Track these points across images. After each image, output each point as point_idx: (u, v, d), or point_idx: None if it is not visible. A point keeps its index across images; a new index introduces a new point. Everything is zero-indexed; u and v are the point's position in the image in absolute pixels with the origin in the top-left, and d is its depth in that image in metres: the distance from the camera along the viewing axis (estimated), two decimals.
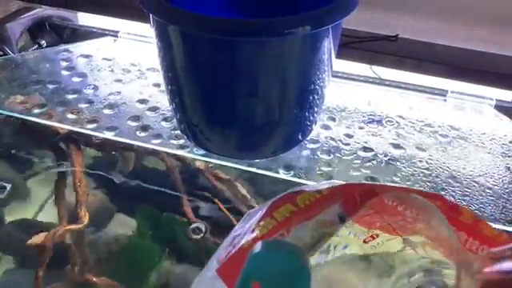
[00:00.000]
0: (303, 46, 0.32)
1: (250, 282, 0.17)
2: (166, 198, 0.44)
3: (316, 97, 0.35)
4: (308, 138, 0.40)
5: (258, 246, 0.19)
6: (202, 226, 0.39)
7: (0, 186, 0.45)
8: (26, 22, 0.54)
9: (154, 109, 0.44)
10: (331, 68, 0.35)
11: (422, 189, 0.36)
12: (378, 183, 0.35)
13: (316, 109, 0.37)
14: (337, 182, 0.25)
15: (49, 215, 0.48)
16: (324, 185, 0.24)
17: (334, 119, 0.43)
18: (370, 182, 0.36)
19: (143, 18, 0.47)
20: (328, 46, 0.33)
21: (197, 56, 0.33)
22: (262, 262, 0.18)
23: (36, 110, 0.43)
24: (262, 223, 0.23)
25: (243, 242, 0.22)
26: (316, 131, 0.41)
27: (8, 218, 0.48)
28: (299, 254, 0.19)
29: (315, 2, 0.32)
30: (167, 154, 0.42)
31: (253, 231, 0.23)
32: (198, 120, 0.37)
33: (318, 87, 0.35)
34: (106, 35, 0.55)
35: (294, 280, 0.17)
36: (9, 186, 0.45)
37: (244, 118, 0.35)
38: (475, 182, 0.37)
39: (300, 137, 0.38)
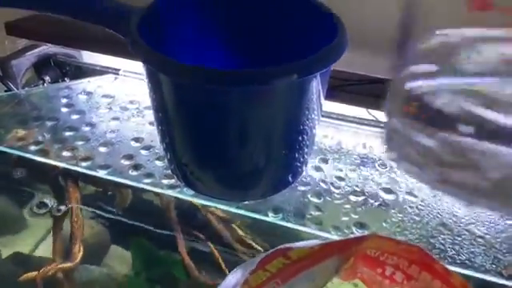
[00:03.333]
0: (291, 92, 0.32)
1: None
2: (162, 236, 0.45)
3: (305, 138, 0.36)
4: (299, 180, 0.40)
5: None
6: (195, 265, 0.39)
7: None
8: (32, 58, 0.56)
9: (148, 147, 0.44)
10: (320, 109, 0.36)
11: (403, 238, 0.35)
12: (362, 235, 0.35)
13: (306, 150, 0.37)
14: (326, 240, 0.25)
15: (46, 249, 0.48)
16: (315, 242, 0.24)
17: (326, 161, 0.43)
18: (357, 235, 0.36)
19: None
20: (316, 88, 0.33)
21: (186, 101, 0.33)
22: None
23: (33, 147, 0.44)
24: (254, 275, 0.23)
25: None
26: (307, 173, 0.41)
27: (3, 250, 0.48)
28: None
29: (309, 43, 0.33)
30: None
31: (245, 282, 0.23)
32: (187, 161, 0.37)
33: (307, 129, 0.35)
34: (108, 73, 0.56)
35: None
36: None
37: (233, 161, 0.35)
38: (466, 229, 0.37)
39: (290, 179, 0.38)
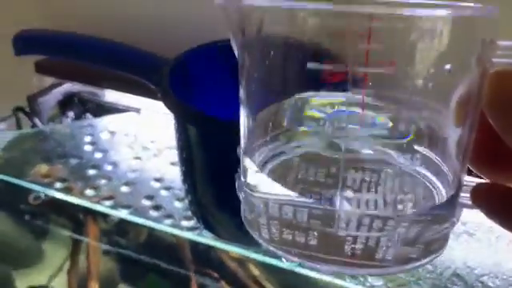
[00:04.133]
0: None
1: None
2: (176, 274, 0.45)
3: None
4: None
5: None
6: None
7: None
8: (57, 96, 0.58)
9: (168, 188, 0.46)
10: None
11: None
12: None
13: None
14: None
15: (60, 282, 0.49)
16: None
17: None
18: None
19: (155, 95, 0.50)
20: None
21: (209, 148, 0.35)
22: None
23: (58, 184, 0.46)
24: None
25: None
26: None
27: (19, 283, 0.49)
28: None
29: None
30: None
31: None
32: (207, 205, 0.38)
33: None
34: (129, 111, 0.58)
35: None
36: None
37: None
38: (480, 281, 0.37)
39: None
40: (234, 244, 0.40)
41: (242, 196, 0.24)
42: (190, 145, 0.36)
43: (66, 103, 0.60)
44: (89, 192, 0.45)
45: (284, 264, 0.39)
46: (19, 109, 0.56)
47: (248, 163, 0.22)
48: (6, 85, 0.65)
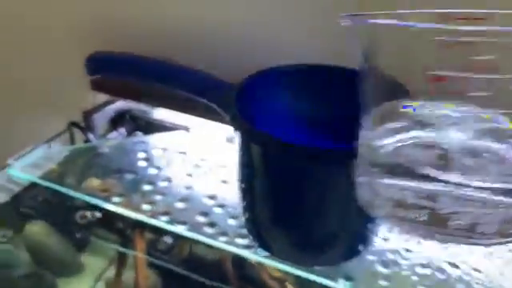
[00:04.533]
0: None
1: None
2: None
3: None
4: (368, 249, 0.42)
5: None
6: None
7: None
8: (111, 112, 0.60)
9: (221, 205, 0.47)
10: None
11: None
12: None
13: (379, 222, 0.39)
14: None
15: None
16: None
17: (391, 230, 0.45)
18: None
19: (212, 115, 0.52)
20: None
21: (273, 169, 0.36)
22: None
23: (115, 199, 0.48)
24: None
25: None
26: (376, 242, 0.43)
27: None
28: None
29: None
30: None
31: None
32: (265, 224, 0.40)
33: None
34: (177, 129, 0.60)
35: None
36: None
37: (310, 228, 0.38)
38: None
39: (361, 248, 0.40)
40: (289, 263, 0.41)
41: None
42: (253, 164, 0.37)
43: (118, 120, 0.62)
44: (145, 207, 0.47)
45: (339, 286, 0.40)
46: (74, 124, 0.58)
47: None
48: (62, 101, 0.68)
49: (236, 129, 0.36)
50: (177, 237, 0.49)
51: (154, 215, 0.46)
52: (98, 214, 0.52)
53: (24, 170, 0.51)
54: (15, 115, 0.76)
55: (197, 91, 0.40)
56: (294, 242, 0.40)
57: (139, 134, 0.61)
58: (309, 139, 0.41)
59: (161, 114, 0.63)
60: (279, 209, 0.38)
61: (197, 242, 0.46)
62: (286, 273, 0.42)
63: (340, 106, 0.42)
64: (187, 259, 0.50)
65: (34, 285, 0.53)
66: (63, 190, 0.50)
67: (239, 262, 0.47)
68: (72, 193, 0.50)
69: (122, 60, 0.41)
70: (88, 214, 0.53)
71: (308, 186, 0.35)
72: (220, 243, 0.43)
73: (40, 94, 0.72)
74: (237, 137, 0.38)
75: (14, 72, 0.73)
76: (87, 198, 0.48)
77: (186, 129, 0.60)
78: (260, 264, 0.46)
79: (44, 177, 0.51)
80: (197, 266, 0.49)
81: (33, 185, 0.53)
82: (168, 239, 0.51)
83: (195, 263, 0.49)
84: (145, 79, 0.41)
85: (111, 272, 0.53)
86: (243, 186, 0.40)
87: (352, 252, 0.40)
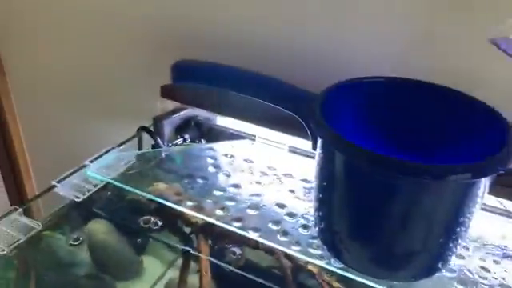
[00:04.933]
0: (459, 189, 0.34)
1: None
2: None
3: (463, 230, 0.37)
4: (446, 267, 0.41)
5: None
6: None
7: None
8: (178, 119, 0.62)
9: (291, 215, 0.47)
10: (481, 203, 0.37)
11: None
12: None
13: (460, 241, 0.38)
14: None
15: None
16: None
17: (467, 248, 0.44)
18: None
19: (276, 126, 0.52)
20: (484, 186, 0.35)
21: (355, 180, 0.36)
22: None
23: (189, 203, 0.49)
24: None
25: None
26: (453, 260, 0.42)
27: None
28: None
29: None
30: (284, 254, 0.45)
31: None
32: (342, 234, 0.40)
33: (466, 222, 0.37)
34: (241, 137, 0.61)
35: None
36: None
37: (389, 243, 0.37)
38: None
39: (440, 266, 0.39)
40: (363, 276, 0.40)
41: None
42: (334, 174, 0.38)
43: (184, 126, 0.64)
44: (218, 212, 0.47)
45: None
46: (144, 128, 0.60)
47: None
48: (133, 107, 0.70)
49: (321, 136, 0.36)
50: (238, 243, 0.50)
51: (226, 221, 0.46)
52: (160, 223, 0.54)
53: (99, 172, 0.53)
54: (91, 119, 0.79)
55: (277, 100, 0.41)
56: (370, 257, 0.39)
57: (203, 141, 0.62)
58: (390, 152, 0.41)
59: (224, 121, 0.65)
60: (360, 220, 0.38)
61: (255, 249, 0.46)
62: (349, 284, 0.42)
63: (419, 121, 0.42)
64: (246, 265, 0.51)
65: (94, 285, 0.55)
66: (137, 191, 0.52)
67: (298, 270, 0.47)
68: (147, 195, 0.51)
69: (206, 68, 0.42)
70: (151, 219, 0.55)
71: (394, 201, 0.35)
72: (295, 252, 0.43)
73: (114, 100, 0.74)
74: (319, 145, 0.38)
75: (91, 78, 0.76)
76: (161, 200, 0.50)
77: (251, 137, 0.61)
78: (320, 273, 0.46)
79: (116, 179, 0.53)
80: (253, 273, 0.49)
81: (105, 186, 0.55)
82: (229, 245, 0.51)
83: (253, 271, 0.50)
84: (229, 88, 0.42)
85: (169, 276, 0.54)
86: (321, 195, 0.40)
87: (431, 270, 0.40)
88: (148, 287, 0.55)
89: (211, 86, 0.42)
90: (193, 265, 0.51)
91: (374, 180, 0.35)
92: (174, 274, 0.53)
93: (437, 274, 0.40)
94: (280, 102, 0.40)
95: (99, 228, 0.57)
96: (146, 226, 0.55)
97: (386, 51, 0.48)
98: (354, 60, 0.49)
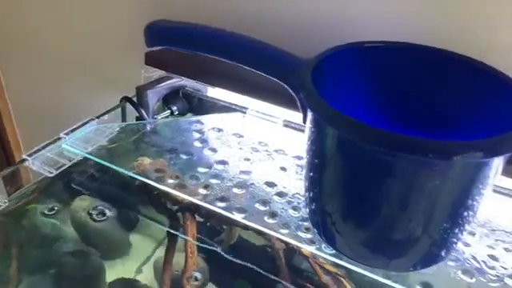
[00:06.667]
0: (468, 169, 0.30)
1: None
2: (265, 280, 0.43)
3: (470, 215, 0.33)
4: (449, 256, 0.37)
5: None
6: None
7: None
8: (164, 90, 0.58)
9: (281, 194, 0.43)
10: (492, 185, 0.33)
11: None
12: None
13: (466, 227, 0.34)
14: None
15: (147, 276, 0.49)
16: None
17: (473, 234, 0.40)
18: None
19: (271, 98, 0.48)
20: (496, 167, 0.30)
21: (349, 158, 0.32)
22: None
23: (170, 181, 0.45)
24: None
25: None
26: (458, 248, 0.38)
27: (108, 273, 0.49)
28: None
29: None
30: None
31: None
32: (335, 217, 0.35)
33: (475, 205, 0.32)
34: (233, 110, 0.57)
35: None
36: None
37: (386, 228, 0.33)
38: None
39: (443, 254, 0.35)
40: (358, 264, 0.36)
41: None
42: (326, 150, 0.33)
43: (171, 97, 0.59)
44: (201, 191, 0.44)
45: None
46: (127, 99, 0.56)
47: None
48: (115, 75, 0.66)
49: (311, 109, 0.32)
50: (227, 222, 0.46)
51: (211, 200, 0.43)
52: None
53: (75, 145, 0.49)
54: (68, 89, 0.75)
55: (262, 66, 0.36)
56: (365, 243, 0.35)
57: (191, 112, 0.58)
58: (391, 128, 0.36)
59: (215, 93, 0.60)
60: (354, 202, 0.34)
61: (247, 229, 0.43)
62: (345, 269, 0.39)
63: (420, 90, 0.38)
64: (236, 246, 0.47)
65: (80, 262, 0.52)
66: (114, 167, 0.48)
67: (292, 253, 0.44)
68: (125, 171, 0.48)
69: (185, 30, 0.38)
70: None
71: (393, 181, 0.31)
72: (283, 236, 0.39)
73: (94, 68, 0.70)
74: (309, 118, 0.33)
75: (77, 44, 0.72)
76: (140, 178, 0.46)
77: (242, 110, 0.56)
78: (314, 257, 0.43)
79: (95, 153, 0.49)
80: (246, 254, 0.46)
81: (83, 160, 0.51)
82: (216, 225, 0.48)
83: (244, 250, 0.47)
84: (208, 52, 0.37)
85: (158, 254, 0.51)
86: (313, 173, 0.35)
87: (433, 259, 0.35)
88: (136, 266, 0.52)
89: (187, 48, 0.37)
90: (181, 243, 0.48)
91: (372, 158, 0.31)
92: (163, 252, 0.51)
93: (439, 264, 0.36)
94: (266, 68, 0.35)
95: (83, 205, 0.54)
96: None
97: (389, 11, 0.43)
98: (354, 22, 0.44)
